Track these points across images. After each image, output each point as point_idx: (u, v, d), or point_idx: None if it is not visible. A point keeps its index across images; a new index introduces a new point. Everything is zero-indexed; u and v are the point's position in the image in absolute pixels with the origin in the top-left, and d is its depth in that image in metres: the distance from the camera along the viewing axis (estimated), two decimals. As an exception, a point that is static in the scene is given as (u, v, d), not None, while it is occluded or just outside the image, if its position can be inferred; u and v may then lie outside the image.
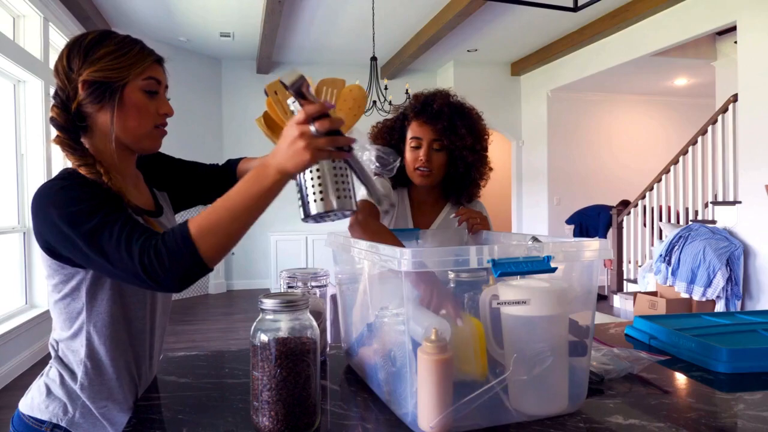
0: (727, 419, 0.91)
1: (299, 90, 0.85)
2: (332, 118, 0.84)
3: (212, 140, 7.48)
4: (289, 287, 1.19)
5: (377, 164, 1.05)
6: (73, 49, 0.97)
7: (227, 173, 1.29)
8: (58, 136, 0.97)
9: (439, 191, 1.70)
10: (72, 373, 1.02)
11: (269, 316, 0.86)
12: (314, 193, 0.93)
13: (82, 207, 0.88)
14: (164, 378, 1.14)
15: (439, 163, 1.59)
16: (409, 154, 1.62)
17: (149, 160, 1.19)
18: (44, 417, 1.01)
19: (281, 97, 1.00)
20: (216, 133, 7.53)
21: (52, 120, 0.97)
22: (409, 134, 1.62)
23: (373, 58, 5.71)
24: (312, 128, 0.83)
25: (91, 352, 1.01)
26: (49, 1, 4.65)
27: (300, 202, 0.96)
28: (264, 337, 0.85)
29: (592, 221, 6.93)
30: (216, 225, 0.84)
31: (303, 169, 0.86)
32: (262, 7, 5.35)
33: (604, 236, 6.69)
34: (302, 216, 0.95)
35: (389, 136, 1.66)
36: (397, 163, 1.08)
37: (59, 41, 5.19)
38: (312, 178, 0.93)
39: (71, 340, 1.01)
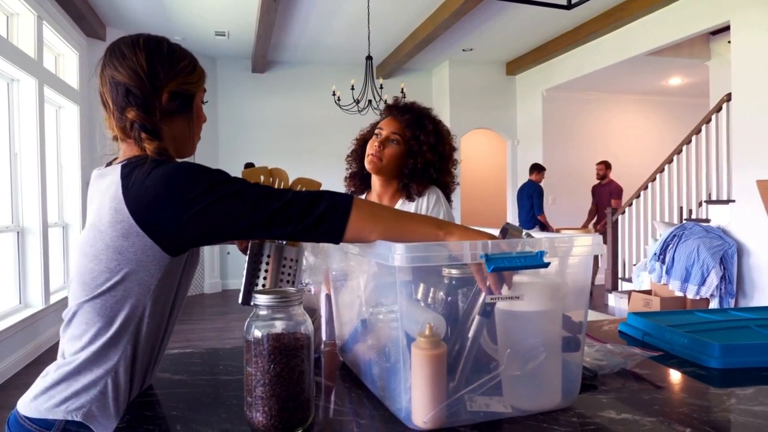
0: (719, 414, 0.91)
1: None
2: None
3: (207, 139, 7.47)
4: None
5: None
6: (155, 56, 0.98)
7: None
8: (146, 138, 0.95)
9: (394, 188, 1.76)
10: (98, 376, 0.96)
11: (263, 312, 0.86)
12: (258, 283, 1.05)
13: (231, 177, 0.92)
14: (158, 375, 1.14)
15: (390, 155, 1.67)
16: (369, 145, 1.70)
17: None
18: (44, 416, 0.97)
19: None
20: (211, 132, 7.52)
21: (136, 123, 0.95)
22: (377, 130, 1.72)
23: (369, 57, 5.71)
24: None
25: (133, 353, 0.97)
26: (43, 0, 4.63)
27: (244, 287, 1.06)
28: (258, 333, 0.85)
29: (520, 200, 7.14)
30: (373, 213, 0.92)
31: None
32: (257, 5, 5.35)
33: (538, 210, 6.90)
34: (241, 300, 1.04)
35: (365, 140, 1.77)
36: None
37: (53, 40, 5.17)
38: (261, 271, 1.06)
39: (111, 340, 0.96)
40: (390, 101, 1.90)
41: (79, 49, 5.68)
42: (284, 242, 1.08)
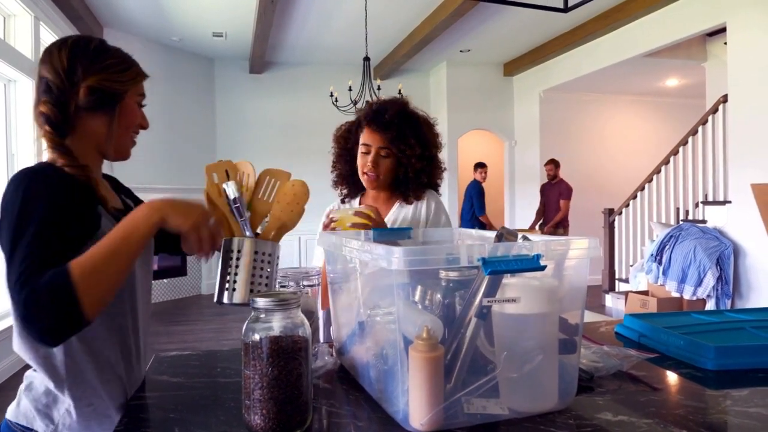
0: (715, 415, 0.92)
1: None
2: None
3: (205, 140, 7.46)
4: (281, 287, 1.20)
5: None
6: (76, 52, 1.00)
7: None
8: (48, 131, 0.98)
9: (389, 193, 1.75)
10: (53, 375, 0.98)
11: (261, 315, 0.86)
12: (232, 282, 1.01)
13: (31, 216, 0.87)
14: (156, 378, 1.14)
15: (386, 169, 1.65)
16: (359, 159, 1.68)
17: (126, 191, 1.24)
18: (32, 425, 0.99)
19: (220, 178, 1.05)
20: (209, 132, 7.51)
21: (44, 116, 0.98)
22: (361, 140, 1.68)
23: (366, 58, 5.71)
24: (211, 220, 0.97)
25: (69, 350, 0.98)
26: (40, 1, 4.63)
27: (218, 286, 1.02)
28: (256, 336, 0.85)
29: (464, 200, 7.03)
30: (95, 270, 0.84)
31: (178, 229, 0.94)
32: (255, 6, 5.35)
33: (479, 210, 6.87)
34: (215, 299, 1.02)
35: (345, 140, 1.75)
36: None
37: (50, 41, 5.14)
38: (232, 266, 1.02)
39: (51, 352, 0.98)
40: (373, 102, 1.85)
41: (76, 50, 5.67)
42: (255, 235, 1.07)
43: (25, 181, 0.91)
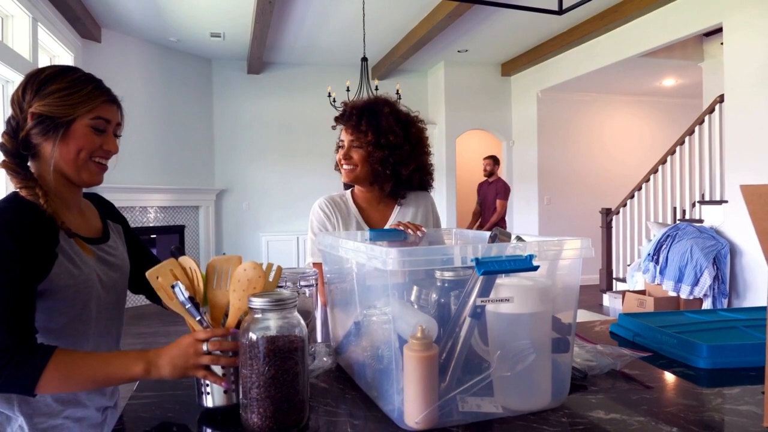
0: (706, 413, 0.93)
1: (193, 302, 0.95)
2: (224, 342, 0.92)
3: (203, 140, 7.46)
4: (279, 287, 1.20)
5: None
6: (29, 82, 1.05)
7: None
8: (4, 160, 1.04)
9: (378, 191, 1.77)
10: (4, 397, 1.03)
11: (258, 315, 0.87)
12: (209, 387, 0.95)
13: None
14: (154, 377, 1.15)
15: (357, 158, 1.70)
16: (337, 155, 1.76)
17: (119, 219, 1.28)
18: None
19: (164, 282, 0.97)
20: (207, 133, 7.51)
21: (1, 145, 1.04)
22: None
23: (364, 59, 5.72)
24: (204, 347, 0.92)
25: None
26: (38, 2, 4.63)
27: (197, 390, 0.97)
28: (253, 336, 0.86)
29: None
30: (67, 381, 0.93)
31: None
32: (253, 7, 5.35)
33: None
34: (197, 401, 0.97)
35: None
36: None
37: (48, 42, 5.16)
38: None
39: None
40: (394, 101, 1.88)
41: (74, 51, 5.67)
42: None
43: None
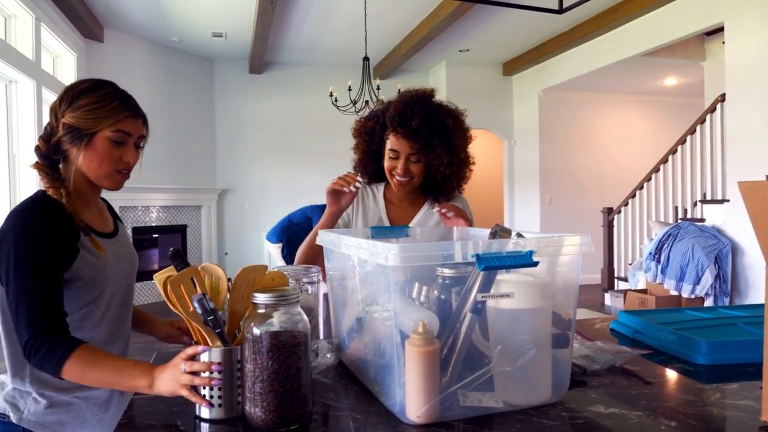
0: (704, 408, 0.94)
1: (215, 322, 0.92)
2: (195, 363, 0.92)
3: (205, 140, 7.47)
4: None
5: None
6: (66, 93, 1.17)
7: None
8: (37, 162, 1.16)
9: (418, 191, 1.72)
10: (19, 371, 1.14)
11: (261, 310, 0.89)
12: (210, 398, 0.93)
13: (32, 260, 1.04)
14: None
15: (417, 172, 1.62)
16: (387, 162, 1.64)
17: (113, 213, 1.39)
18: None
19: (187, 290, 0.94)
20: (209, 133, 7.52)
21: (37, 148, 1.17)
22: (388, 144, 1.63)
23: (366, 58, 5.73)
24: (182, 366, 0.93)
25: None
26: (40, 1, 4.65)
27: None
28: (256, 331, 0.87)
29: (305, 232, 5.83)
30: (83, 377, 1.02)
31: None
32: (255, 6, 5.36)
33: None
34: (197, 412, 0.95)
35: (370, 138, 1.69)
36: None
37: (51, 41, 5.18)
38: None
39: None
40: (385, 100, 1.81)
41: (77, 51, 5.69)
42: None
43: (18, 224, 1.07)
